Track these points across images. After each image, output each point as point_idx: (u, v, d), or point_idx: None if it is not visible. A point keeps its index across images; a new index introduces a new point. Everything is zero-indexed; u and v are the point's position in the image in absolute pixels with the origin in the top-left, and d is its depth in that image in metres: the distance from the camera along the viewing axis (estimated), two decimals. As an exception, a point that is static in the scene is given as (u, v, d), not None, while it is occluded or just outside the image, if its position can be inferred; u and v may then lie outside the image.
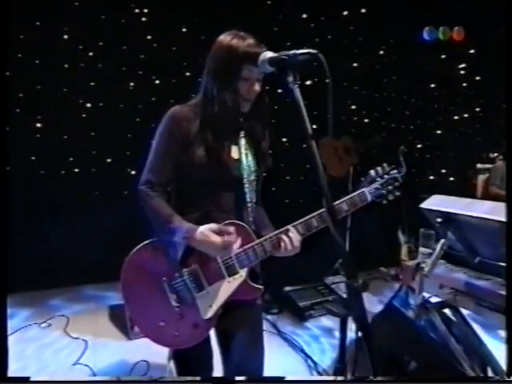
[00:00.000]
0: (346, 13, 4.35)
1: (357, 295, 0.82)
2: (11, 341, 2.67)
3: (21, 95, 3.47)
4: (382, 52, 4.58)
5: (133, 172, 3.84)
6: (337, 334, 3.02)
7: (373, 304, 3.24)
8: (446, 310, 2.02)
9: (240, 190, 1.46)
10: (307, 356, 2.73)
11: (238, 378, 1.46)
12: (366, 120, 4.69)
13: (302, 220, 1.42)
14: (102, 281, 3.59)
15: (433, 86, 4.68)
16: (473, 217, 1.86)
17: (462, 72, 4.55)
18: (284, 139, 4.38)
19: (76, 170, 3.80)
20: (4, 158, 1.53)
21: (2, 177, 1.50)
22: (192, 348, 1.42)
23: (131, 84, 3.85)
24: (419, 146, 4.70)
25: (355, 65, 4.51)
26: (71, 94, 3.67)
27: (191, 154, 1.38)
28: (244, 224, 1.43)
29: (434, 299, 2.15)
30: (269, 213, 1.63)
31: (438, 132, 4.77)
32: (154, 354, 2.33)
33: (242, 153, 1.47)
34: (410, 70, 4.50)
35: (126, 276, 1.43)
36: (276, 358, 2.59)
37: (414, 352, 2.03)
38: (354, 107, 4.61)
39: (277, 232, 1.41)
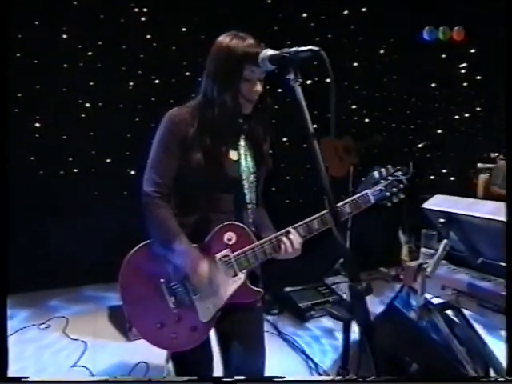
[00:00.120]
0: (346, 12, 4.34)
1: (360, 299, 0.80)
2: (10, 342, 2.65)
3: (19, 95, 3.45)
4: (382, 51, 4.57)
5: (132, 172, 3.82)
6: (337, 334, 3.01)
7: (373, 304, 3.22)
8: (449, 312, 2.01)
9: (239, 192, 1.44)
10: (308, 357, 2.71)
11: (237, 378, 1.44)
12: (367, 120, 4.68)
13: (302, 222, 1.40)
14: (101, 281, 3.58)
15: (433, 85, 4.67)
16: (476, 217, 1.84)
17: (463, 71, 4.54)
18: (284, 139, 4.36)
19: (75, 170, 3.79)
20: (4, 158, 1.51)
21: (1, 177, 1.49)
22: (191, 350, 1.40)
23: (131, 84, 3.84)
24: (420, 145, 4.68)
25: (355, 64, 4.50)
26: (70, 94, 3.65)
27: (189, 157, 1.36)
28: (243, 225, 1.41)
29: (435, 300, 2.13)
30: (269, 213, 1.61)
31: (439, 131, 4.75)
32: (154, 355, 2.31)
33: (241, 154, 1.45)
34: (410, 70, 4.49)
35: (123, 277, 1.42)
36: (276, 359, 2.57)
37: (415, 353, 2.01)
38: (354, 107, 4.59)
39: (277, 234, 1.39)
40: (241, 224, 1.41)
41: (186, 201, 1.44)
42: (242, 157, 1.45)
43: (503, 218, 1.68)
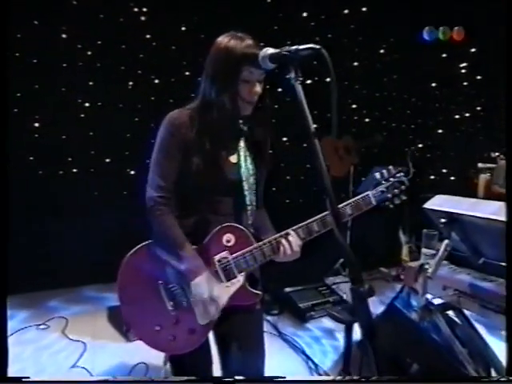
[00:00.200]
0: (346, 11, 4.33)
1: (362, 301, 0.79)
2: (9, 343, 2.63)
3: (19, 95, 3.44)
4: (382, 51, 4.56)
5: (132, 172, 3.82)
6: (338, 335, 3.00)
7: (374, 305, 3.21)
8: (450, 312, 1.99)
9: (239, 194, 1.42)
10: (308, 358, 2.70)
11: (237, 378, 1.43)
12: (367, 119, 4.67)
13: (302, 224, 1.38)
14: (101, 281, 3.57)
15: (434, 85, 4.66)
16: (478, 217, 1.83)
17: (463, 71, 4.53)
18: (284, 138, 4.35)
19: (75, 170, 3.78)
20: (4, 158, 1.50)
21: (1, 177, 1.48)
22: (189, 353, 1.39)
23: (130, 83, 3.83)
24: (420, 145, 4.67)
25: (356, 64, 4.50)
26: (70, 94, 3.64)
27: (189, 160, 1.35)
28: (242, 227, 1.40)
29: (437, 301, 2.12)
30: (269, 213, 1.60)
31: (439, 131, 4.74)
32: (153, 355, 2.29)
33: (240, 156, 1.43)
34: (410, 69, 4.49)
35: (122, 278, 1.41)
36: (276, 360, 2.56)
37: (416, 354, 2.00)
38: (354, 106, 4.59)
39: (277, 236, 1.38)
40: (240, 226, 1.40)
41: (185, 203, 1.42)
42: (241, 159, 1.43)
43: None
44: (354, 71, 4.48)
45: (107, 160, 3.84)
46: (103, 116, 3.73)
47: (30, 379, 1.46)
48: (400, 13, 4.12)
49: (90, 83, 3.69)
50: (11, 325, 2.96)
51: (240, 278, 1.38)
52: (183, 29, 3.91)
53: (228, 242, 1.38)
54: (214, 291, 1.34)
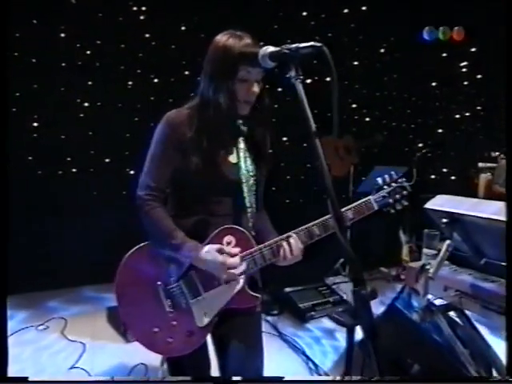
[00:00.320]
0: (346, 11, 4.32)
1: (365, 303, 0.78)
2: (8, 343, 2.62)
3: (17, 94, 3.42)
4: (382, 50, 4.55)
5: (131, 172, 3.81)
6: (338, 335, 2.99)
7: (374, 305, 3.20)
8: (451, 313, 1.98)
9: (239, 195, 1.40)
10: (308, 358, 2.69)
11: (237, 378, 1.41)
12: (367, 119, 4.66)
13: (303, 227, 1.37)
14: (100, 281, 3.56)
15: (434, 84, 4.66)
16: (480, 217, 1.82)
17: (463, 70, 4.52)
18: (284, 138, 4.34)
19: (74, 170, 3.77)
20: (4, 158, 1.49)
21: (1, 177, 1.47)
22: (187, 355, 1.37)
23: (129, 83, 3.82)
24: (420, 144, 4.67)
25: (356, 63, 4.49)
26: (69, 93, 3.63)
27: (187, 160, 1.33)
28: (243, 229, 1.38)
29: (438, 301, 2.11)
30: (269, 213, 1.59)
31: (440, 131, 4.73)
32: (153, 356, 2.28)
33: (240, 157, 1.42)
34: (410, 69, 4.48)
35: (120, 278, 1.40)
36: (276, 360, 2.56)
37: (417, 355, 1.99)
38: (354, 106, 4.57)
39: (277, 239, 1.36)
40: (240, 228, 1.38)
41: (184, 203, 1.41)
42: (241, 159, 1.41)
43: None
44: (354, 70, 4.47)
45: (107, 160, 3.84)
46: (102, 116, 3.72)
47: (29, 379, 1.48)
48: (400, 13, 4.11)
49: (89, 83, 3.68)
50: (11, 325, 2.95)
51: (240, 281, 1.36)
52: (183, 28, 3.90)
53: (229, 244, 1.36)
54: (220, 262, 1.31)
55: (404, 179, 1.45)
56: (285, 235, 1.37)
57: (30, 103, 3.49)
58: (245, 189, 1.41)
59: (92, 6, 3.55)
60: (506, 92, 1.68)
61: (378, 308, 2.64)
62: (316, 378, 2.51)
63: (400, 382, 1.71)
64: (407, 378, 1.90)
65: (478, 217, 1.85)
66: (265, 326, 2.94)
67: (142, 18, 3.76)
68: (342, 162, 4.04)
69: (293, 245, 1.34)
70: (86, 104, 3.72)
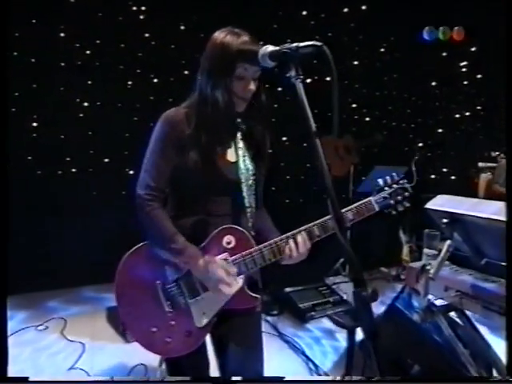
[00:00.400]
0: (346, 10, 4.31)
1: (365, 305, 0.77)
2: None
3: (17, 94, 3.42)
4: (382, 50, 4.54)
5: (131, 172, 3.80)
6: (338, 336, 2.98)
7: (374, 305, 3.19)
8: (452, 313, 1.97)
9: (238, 195, 1.40)
10: (308, 359, 2.68)
11: (236, 378, 1.41)
12: (367, 118, 4.66)
13: (302, 228, 1.36)
14: (100, 282, 3.55)
15: (434, 84, 4.65)
16: (480, 217, 1.81)
17: (463, 70, 4.51)
18: (284, 138, 4.33)
19: (73, 170, 3.76)
20: (4, 158, 1.49)
21: (1, 177, 1.47)
22: (186, 356, 1.37)
23: (129, 83, 3.82)
24: (420, 144, 4.66)
25: (356, 63, 4.48)
26: (68, 93, 3.62)
27: (186, 158, 1.33)
28: (242, 229, 1.37)
29: (438, 302, 2.10)
30: (269, 213, 1.58)
31: (440, 130, 4.73)
32: (153, 356, 2.28)
33: (239, 155, 1.41)
34: (410, 68, 4.47)
35: (119, 278, 1.39)
36: (276, 361, 2.55)
37: (417, 355, 1.99)
38: (354, 105, 4.57)
39: (277, 239, 1.35)
40: (240, 228, 1.37)
41: (183, 203, 1.40)
42: (240, 158, 1.41)
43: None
44: (354, 70, 4.46)
45: (106, 160, 3.83)
46: (102, 115, 3.72)
47: (29, 379, 1.48)
48: (400, 12, 4.10)
49: (89, 82, 3.67)
50: (10, 325, 2.94)
51: (239, 281, 1.35)
52: (182, 28, 3.90)
53: (228, 243, 1.35)
54: (217, 274, 1.30)
55: (405, 180, 1.44)
56: (284, 236, 1.36)
57: (29, 103, 3.48)
58: (244, 188, 1.40)
59: (91, 5, 3.54)
60: (505, 92, 1.68)
61: (378, 308, 2.63)
62: (316, 377, 2.50)
63: (400, 382, 1.71)
64: (407, 378, 1.89)
65: (478, 217, 1.84)
66: (265, 327, 2.94)
67: (141, 17, 3.75)
68: (342, 161, 4.03)
69: (299, 243, 1.33)
70: (86, 104, 3.71)
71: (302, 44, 1.01)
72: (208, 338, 1.45)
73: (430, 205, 2.13)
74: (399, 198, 1.42)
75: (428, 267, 1.97)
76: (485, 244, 1.98)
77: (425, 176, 4.66)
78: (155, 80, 3.87)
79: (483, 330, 1.90)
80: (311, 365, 2.62)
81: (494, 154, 4.00)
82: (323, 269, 3.92)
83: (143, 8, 3.74)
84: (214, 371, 1.55)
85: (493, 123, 4.29)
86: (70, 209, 3.65)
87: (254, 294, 1.39)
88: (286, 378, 1.75)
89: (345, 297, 3.42)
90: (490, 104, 4.41)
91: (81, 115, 3.70)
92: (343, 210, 1.35)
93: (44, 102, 3.55)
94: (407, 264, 3.78)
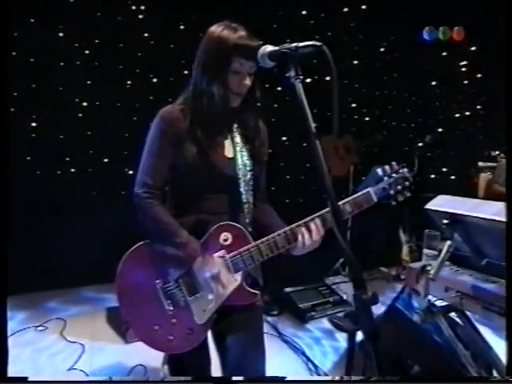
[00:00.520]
0: (346, 9, 4.30)
1: (366, 308, 0.76)
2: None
3: (15, 94, 3.41)
4: (382, 49, 4.53)
5: (130, 172, 3.78)
6: (338, 336, 2.98)
7: (374, 305, 3.18)
8: (452, 314, 1.97)
9: (235, 191, 1.40)
10: (308, 359, 2.68)
11: (237, 378, 1.41)
12: (367, 118, 4.65)
13: (301, 222, 1.35)
14: (100, 282, 3.55)
15: (434, 83, 4.64)
16: (481, 218, 1.80)
17: (463, 69, 4.50)
18: (284, 138, 4.33)
19: (72, 170, 3.75)
20: (4, 158, 1.50)
21: (1, 177, 1.47)
22: (188, 353, 1.38)
23: (128, 82, 3.80)
24: (420, 144, 4.66)
25: (356, 62, 4.47)
26: (67, 93, 3.61)
27: (183, 154, 1.34)
28: (239, 226, 1.38)
29: (439, 302, 2.10)
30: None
31: (439, 130, 4.72)
32: (152, 357, 2.27)
33: (237, 151, 1.41)
34: (410, 68, 4.46)
35: (120, 278, 1.40)
36: (276, 361, 2.55)
37: (417, 356, 1.98)
38: (354, 105, 4.56)
39: (274, 234, 1.35)
40: (237, 224, 1.38)
41: (182, 201, 1.41)
42: (237, 154, 1.41)
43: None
44: (354, 70, 4.45)
45: (105, 160, 3.82)
46: (101, 115, 3.70)
47: (29, 379, 1.49)
48: (400, 12, 4.09)
49: (88, 82, 3.66)
50: (10, 326, 2.94)
51: (237, 278, 1.36)
52: (182, 27, 3.88)
53: (225, 240, 1.36)
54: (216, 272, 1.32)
55: (406, 170, 1.40)
56: (282, 230, 1.34)
57: (28, 103, 3.47)
58: (241, 184, 1.40)
59: (91, 5, 3.52)
60: (505, 91, 1.67)
61: (378, 308, 2.63)
62: (316, 378, 2.50)
63: (400, 382, 1.70)
64: (407, 378, 1.89)
65: (478, 217, 1.84)
66: (265, 327, 2.92)
67: (140, 17, 3.74)
68: (342, 161, 4.03)
69: (313, 229, 1.32)
70: (85, 104, 3.70)
71: (301, 44, 1.00)
72: (209, 336, 1.45)
73: (430, 205, 2.13)
74: (400, 187, 1.38)
75: (428, 268, 1.96)
76: (485, 245, 1.98)
77: (425, 176, 4.66)
78: (154, 80, 3.86)
79: (483, 331, 1.89)
80: (311, 365, 2.62)
81: (494, 153, 3.99)
82: (323, 269, 3.92)
83: (142, 7, 3.73)
84: (215, 370, 1.55)
85: (493, 123, 4.29)
86: (70, 209, 3.64)
87: (252, 290, 1.39)
88: (287, 378, 1.75)
89: (345, 297, 3.42)
90: (490, 103, 4.40)
91: (80, 115, 3.68)
92: (341, 202, 1.33)
93: (43, 102, 3.53)
94: (407, 264, 3.78)
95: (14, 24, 3.25)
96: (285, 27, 3.98)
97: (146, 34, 3.78)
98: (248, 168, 1.42)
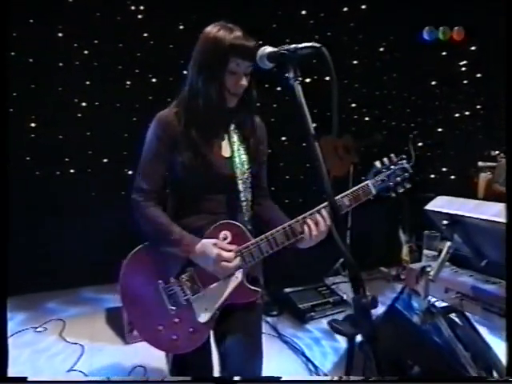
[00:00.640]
0: (345, 9, 4.30)
1: (365, 312, 0.76)
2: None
3: (14, 94, 3.40)
4: (382, 49, 4.52)
5: (130, 172, 3.78)
6: (338, 336, 2.97)
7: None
8: (452, 315, 1.97)
9: (234, 189, 1.41)
10: (308, 360, 2.68)
11: (237, 379, 1.41)
12: (367, 118, 4.64)
13: (300, 217, 1.34)
14: (100, 282, 3.55)
15: (433, 83, 4.63)
16: (481, 219, 1.80)
17: (463, 69, 4.49)
18: (283, 138, 4.32)
19: (72, 171, 3.75)
20: (4, 158, 1.51)
21: (1, 177, 1.48)
22: (191, 353, 1.39)
23: (128, 83, 3.80)
24: (420, 144, 4.65)
25: (355, 62, 4.46)
26: (66, 93, 3.60)
27: (179, 156, 1.34)
28: (238, 224, 1.38)
29: (439, 303, 2.10)
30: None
31: (439, 130, 4.71)
32: (152, 358, 2.29)
33: (234, 150, 1.41)
34: (410, 68, 4.46)
35: (123, 280, 1.42)
36: (276, 362, 2.55)
37: (417, 356, 1.98)
38: (354, 105, 4.55)
39: (273, 231, 1.35)
40: (236, 222, 1.38)
41: (182, 203, 1.42)
42: (235, 153, 1.41)
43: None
44: (354, 69, 4.45)
45: (105, 160, 3.82)
46: (100, 116, 3.70)
47: (29, 379, 1.50)
48: (400, 12, 4.08)
49: (87, 83, 3.65)
50: (9, 327, 2.93)
51: (238, 275, 1.36)
52: (181, 27, 3.88)
53: (225, 239, 1.37)
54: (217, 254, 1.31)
55: (404, 161, 1.39)
56: (281, 227, 1.34)
57: (27, 103, 3.46)
58: (239, 182, 1.40)
59: (90, 5, 3.52)
60: (505, 91, 1.67)
61: (377, 308, 2.61)
62: (314, 377, 2.50)
63: (399, 382, 1.70)
64: (405, 378, 1.89)
65: (479, 218, 1.83)
66: (264, 327, 2.92)
67: (139, 17, 3.73)
68: (342, 161, 4.02)
69: (320, 220, 1.31)
70: (84, 104, 3.69)
71: (300, 45, 1.00)
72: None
73: (430, 206, 2.12)
74: (399, 179, 1.38)
75: (428, 269, 1.96)
76: (485, 246, 1.97)
77: (424, 175, 4.65)
78: (154, 80, 3.86)
79: (483, 332, 1.89)
80: (311, 366, 2.61)
81: (493, 153, 3.99)
82: (323, 269, 3.91)
83: (142, 7, 3.72)
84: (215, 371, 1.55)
85: (493, 122, 4.28)
86: (70, 209, 3.64)
87: (253, 288, 1.40)
88: (287, 378, 1.75)
89: (344, 297, 3.42)
90: (490, 103, 4.39)
91: (79, 115, 3.68)
92: (339, 196, 1.33)
93: (42, 103, 3.53)
94: (407, 264, 3.79)
95: (13, 24, 3.24)
96: (284, 27, 3.97)
97: (145, 34, 3.77)
98: (246, 166, 1.42)
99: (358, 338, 1.29)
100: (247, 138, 1.45)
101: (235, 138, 1.43)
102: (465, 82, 4.52)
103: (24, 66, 3.43)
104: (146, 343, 1.43)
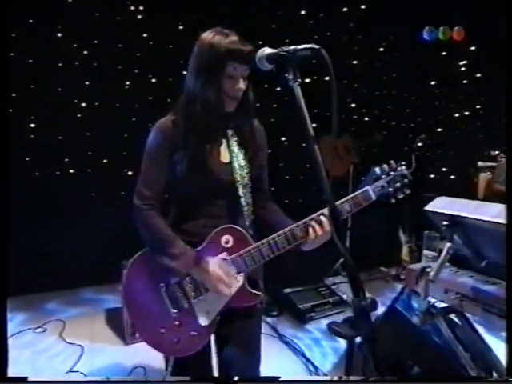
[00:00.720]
0: (345, 9, 4.29)
1: (365, 314, 0.76)
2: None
3: (14, 95, 3.40)
4: (381, 49, 4.52)
5: (130, 172, 3.78)
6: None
7: (374, 305, 3.18)
8: (452, 316, 1.97)
9: (234, 195, 1.41)
10: (308, 360, 2.68)
11: (237, 379, 1.44)
12: (366, 118, 4.64)
13: (301, 222, 1.35)
14: (100, 282, 3.55)
15: (433, 83, 4.63)
16: (481, 220, 1.80)
17: (463, 69, 4.49)
18: (283, 138, 4.32)
19: (72, 171, 3.75)
20: (4, 159, 1.52)
21: (1, 177, 1.49)
22: (192, 357, 1.39)
23: (127, 83, 3.80)
24: (420, 144, 4.65)
25: (355, 62, 4.46)
26: (66, 94, 3.60)
27: (179, 163, 1.35)
28: (240, 228, 1.39)
29: (438, 304, 2.09)
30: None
31: (439, 130, 4.71)
32: (152, 358, 2.29)
33: (233, 156, 1.42)
34: (410, 68, 4.46)
35: (126, 283, 1.44)
36: (276, 362, 2.55)
37: (417, 357, 1.98)
38: (353, 105, 4.55)
39: (274, 235, 1.35)
40: (237, 227, 1.39)
41: (184, 209, 1.43)
42: (233, 158, 1.42)
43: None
44: (354, 70, 4.44)
45: (104, 160, 3.81)
46: (100, 116, 3.70)
47: (29, 379, 1.52)
48: (400, 12, 4.08)
49: (87, 83, 3.65)
50: (9, 327, 2.93)
51: (239, 279, 1.37)
52: (180, 27, 3.88)
53: (226, 243, 1.37)
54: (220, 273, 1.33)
55: (404, 167, 1.39)
56: (281, 231, 1.34)
57: (27, 104, 3.46)
58: (240, 188, 1.41)
59: (89, 5, 3.51)
60: (505, 91, 1.67)
61: (378, 309, 2.62)
62: (313, 377, 2.50)
63: (399, 382, 1.70)
64: (405, 378, 1.89)
65: (478, 219, 1.83)
66: (264, 328, 2.92)
67: (139, 17, 3.73)
68: (342, 161, 4.02)
69: (324, 220, 1.32)
70: (84, 104, 3.69)
71: (299, 47, 1.00)
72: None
73: (430, 207, 2.12)
74: (398, 185, 1.37)
75: (428, 269, 1.96)
76: (485, 246, 1.97)
77: (424, 175, 4.65)
78: (153, 80, 3.86)
79: (483, 333, 1.89)
80: (311, 366, 2.61)
81: (493, 153, 3.99)
82: (323, 269, 3.91)
83: (141, 8, 3.72)
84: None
85: (492, 122, 4.28)
86: (70, 209, 3.64)
87: (254, 291, 1.40)
88: (287, 379, 1.75)
89: (344, 297, 3.42)
90: (490, 103, 4.39)
91: (79, 116, 3.68)
92: (339, 202, 1.33)
93: (42, 103, 3.53)
94: (407, 264, 3.79)
95: (12, 24, 3.24)
96: (284, 27, 3.97)
97: (144, 35, 3.77)
98: (245, 171, 1.43)
99: (358, 338, 1.29)
100: (246, 142, 1.45)
101: (234, 142, 1.43)
102: (465, 81, 4.52)
103: (24, 66, 3.42)
104: (145, 343, 1.44)
